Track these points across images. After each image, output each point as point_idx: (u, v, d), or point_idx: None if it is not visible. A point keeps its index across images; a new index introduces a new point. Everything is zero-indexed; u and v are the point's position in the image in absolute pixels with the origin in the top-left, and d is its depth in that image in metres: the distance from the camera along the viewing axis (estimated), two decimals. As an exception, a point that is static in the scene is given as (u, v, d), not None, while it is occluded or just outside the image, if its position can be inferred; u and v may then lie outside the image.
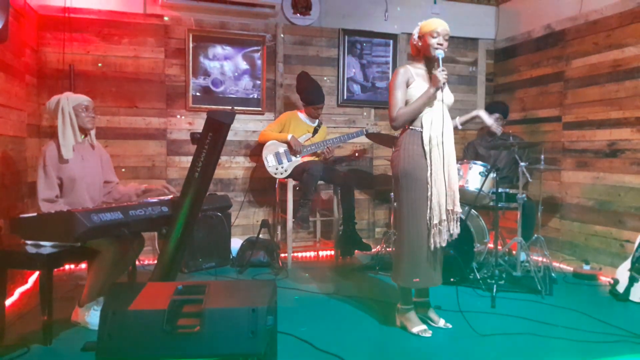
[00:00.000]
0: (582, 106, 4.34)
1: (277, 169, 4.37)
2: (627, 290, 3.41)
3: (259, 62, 4.76)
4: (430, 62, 2.84)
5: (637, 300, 3.37)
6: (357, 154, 4.99)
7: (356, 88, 5.09)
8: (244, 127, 4.78)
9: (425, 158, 2.73)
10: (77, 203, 2.87)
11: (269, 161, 4.37)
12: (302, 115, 4.57)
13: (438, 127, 2.73)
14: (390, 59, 5.16)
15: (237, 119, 4.55)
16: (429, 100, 2.75)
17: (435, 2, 5.26)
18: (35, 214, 2.51)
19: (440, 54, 2.73)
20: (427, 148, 2.74)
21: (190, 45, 4.53)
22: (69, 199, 2.90)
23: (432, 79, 2.73)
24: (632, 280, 3.41)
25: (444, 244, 2.74)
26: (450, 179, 2.74)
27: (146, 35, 4.44)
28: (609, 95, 4.09)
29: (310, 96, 4.46)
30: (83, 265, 3.96)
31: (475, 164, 3.99)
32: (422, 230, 2.73)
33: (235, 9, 4.55)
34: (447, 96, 2.83)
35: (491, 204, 3.98)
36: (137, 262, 3.37)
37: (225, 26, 4.67)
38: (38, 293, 2.60)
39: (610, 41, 4.08)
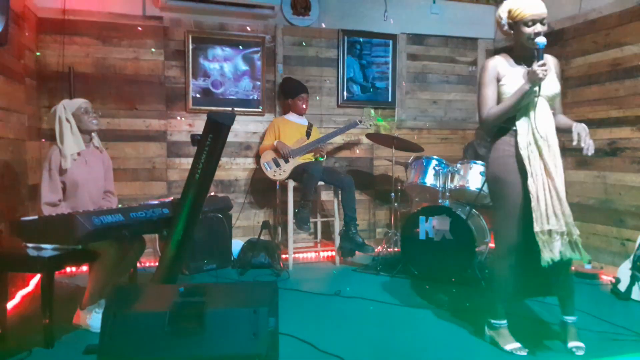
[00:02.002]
0: (582, 105, 4.34)
1: (275, 171, 4.38)
2: (629, 289, 3.41)
3: (258, 63, 4.76)
4: (526, 51, 2.47)
5: (639, 299, 3.37)
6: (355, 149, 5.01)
7: (356, 88, 5.09)
8: (244, 128, 4.78)
9: (522, 163, 2.41)
10: (80, 207, 2.87)
11: (267, 167, 4.38)
12: (289, 117, 4.61)
13: (539, 128, 2.40)
14: (390, 59, 5.16)
15: (237, 120, 4.51)
16: (522, 99, 2.39)
17: (434, 2, 5.26)
18: (36, 217, 2.52)
19: (540, 43, 2.34)
20: (524, 153, 2.40)
21: (190, 46, 4.53)
22: (71, 203, 2.91)
23: (528, 73, 2.36)
24: (633, 279, 3.41)
25: (556, 257, 2.35)
26: (555, 190, 2.37)
27: (145, 37, 4.44)
28: (608, 94, 4.09)
29: (292, 89, 4.59)
30: (84, 268, 3.96)
31: (475, 163, 3.99)
32: (514, 244, 2.47)
33: (234, 10, 4.55)
34: (547, 88, 2.43)
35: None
36: (138, 264, 3.36)
37: (225, 27, 4.67)
38: (39, 296, 2.60)
39: (610, 40, 4.08)
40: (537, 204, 2.36)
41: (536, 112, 2.42)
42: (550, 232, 2.35)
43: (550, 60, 2.52)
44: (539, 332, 2.81)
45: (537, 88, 2.35)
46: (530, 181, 2.38)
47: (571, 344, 2.56)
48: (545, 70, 2.32)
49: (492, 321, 2.62)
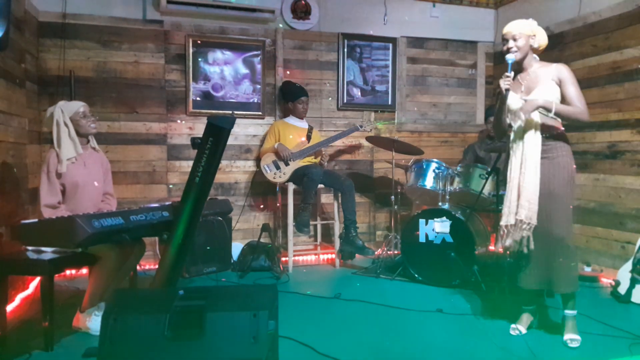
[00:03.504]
0: (582, 108, 4.33)
1: (275, 173, 4.39)
2: (629, 292, 3.41)
3: (258, 66, 4.77)
4: (519, 65, 2.80)
5: (639, 301, 3.37)
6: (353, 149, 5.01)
7: (356, 92, 5.10)
8: (244, 131, 4.78)
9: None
10: (79, 209, 2.87)
11: (267, 169, 4.39)
12: (290, 120, 4.62)
13: (516, 135, 2.74)
14: (389, 62, 5.17)
15: (237, 124, 4.57)
16: (500, 107, 2.79)
17: (434, 6, 5.27)
18: (36, 220, 2.52)
19: (507, 59, 2.71)
20: (510, 152, 2.79)
21: (190, 50, 4.54)
22: (70, 205, 2.91)
23: None
24: (633, 282, 3.40)
25: (510, 248, 2.73)
26: (522, 187, 2.66)
27: (146, 41, 4.46)
28: (608, 97, 4.10)
29: (292, 92, 4.61)
30: (84, 271, 3.97)
31: (475, 166, 4.00)
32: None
33: (234, 14, 4.57)
34: (534, 97, 2.68)
35: (492, 206, 3.98)
36: (138, 267, 3.36)
37: (225, 31, 4.68)
38: (39, 299, 2.60)
39: (609, 43, 4.09)
40: (507, 198, 2.74)
41: (519, 122, 2.71)
42: (507, 225, 2.71)
43: (536, 71, 2.76)
44: (544, 326, 2.89)
45: (515, 99, 2.72)
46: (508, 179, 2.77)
47: (566, 336, 2.70)
48: (506, 83, 2.66)
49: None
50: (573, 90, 2.66)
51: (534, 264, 2.75)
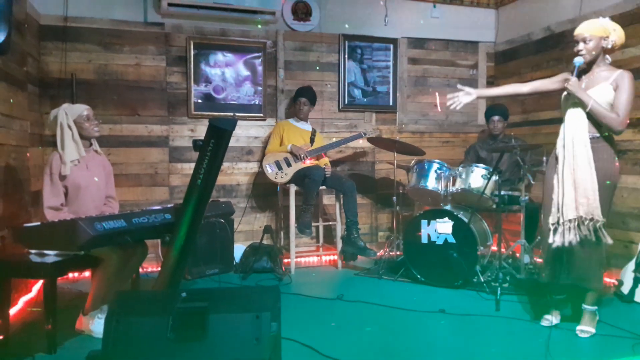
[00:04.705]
0: (584, 108, 4.33)
1: (277, 173, 4.39)
2: (632, 291, 3.40)
3: (259, 68, 4.77)
4: (589, 66, 2.79)
5: (642, 301, 3.36)
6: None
7: (357, 93, 5.10)
8: (245, 133, 4.79)
9: (557, 160, 2.78)
10: (82, 212, 2.88)
11: (269, 168, 4.40)
12: (293, 120, 4.66)
13: (564, 131, 2.75)
14: (390, 63, 5.17)
15: (238, 125, 4.57)
16: (564, 104, 2.83)
17: (434, 7, 5.27)
18: (38, 223, 2.53)
19: (575, 61, 2.70)
20: (557, 150, 2.78)
21: (192, 52, 4.54)
22: (73, 207, 2.92)
23: None
24: (636, 282, 3.40)
25: (565, 243, 2.66)
26: (576, 185, 2.65)
27: (147, 44, 4.46)
28: (610, 96, 4.08)
29: (296, 93, 4.65)
30: (87, 274, 3.97)
31: (477, 166, 4.00)
32: (545, 228, 2.82)
33: (235, 16, 4.57)
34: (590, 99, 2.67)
35: (494, 206, 3.97)
36: (140, 270, 3.37)
37: (226, 33, 4.69)
38: (42, 302, 2.60)
39: (610, 42, 4.08)
40: (556, 196, 2.72)
41: (568, 120, 2.77)
42: (559, 222, 2.68)
43: (601, 73, 2.75)
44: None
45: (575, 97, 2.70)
46: (554, 177, 2.75)
47: (579, 327, 2.81)
48: (571, 86, 2.66)
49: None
50: (622, 98, 2.65)
51: (568, 260, 2.76)
